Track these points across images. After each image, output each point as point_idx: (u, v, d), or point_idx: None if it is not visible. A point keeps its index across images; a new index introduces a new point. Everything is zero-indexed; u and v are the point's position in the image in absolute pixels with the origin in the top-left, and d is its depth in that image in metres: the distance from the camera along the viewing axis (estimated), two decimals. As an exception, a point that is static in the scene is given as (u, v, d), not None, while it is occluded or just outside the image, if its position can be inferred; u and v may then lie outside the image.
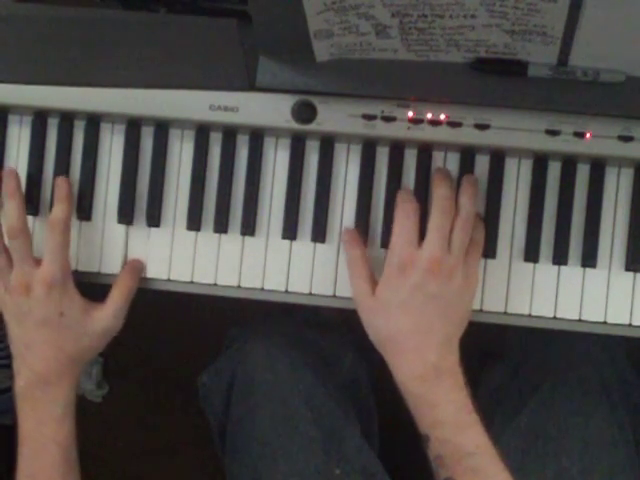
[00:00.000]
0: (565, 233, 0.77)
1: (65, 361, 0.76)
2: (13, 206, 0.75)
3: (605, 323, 0.78)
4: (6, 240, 0.76)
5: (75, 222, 0.80)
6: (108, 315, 0.77)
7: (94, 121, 0.80)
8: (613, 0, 0.62)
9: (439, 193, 0.74)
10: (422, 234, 0.73)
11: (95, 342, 0.78)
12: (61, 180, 0.78)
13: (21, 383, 0.76)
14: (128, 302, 0.78)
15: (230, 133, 0.79)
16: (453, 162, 0.78)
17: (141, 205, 0.80)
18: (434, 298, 0.72)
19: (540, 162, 0.78)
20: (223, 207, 0.79)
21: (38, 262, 0.75)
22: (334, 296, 0.79)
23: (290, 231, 0.79)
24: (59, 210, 0.76)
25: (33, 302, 0.74)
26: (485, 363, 1.00)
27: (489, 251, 0.78)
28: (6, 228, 0.75)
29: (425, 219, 0.75)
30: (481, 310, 0.78)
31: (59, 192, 0.77)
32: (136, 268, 0.79)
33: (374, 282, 0.75)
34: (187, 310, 1.30)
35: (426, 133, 0.75)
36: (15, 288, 0.75)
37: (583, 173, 0.78)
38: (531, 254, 0.78)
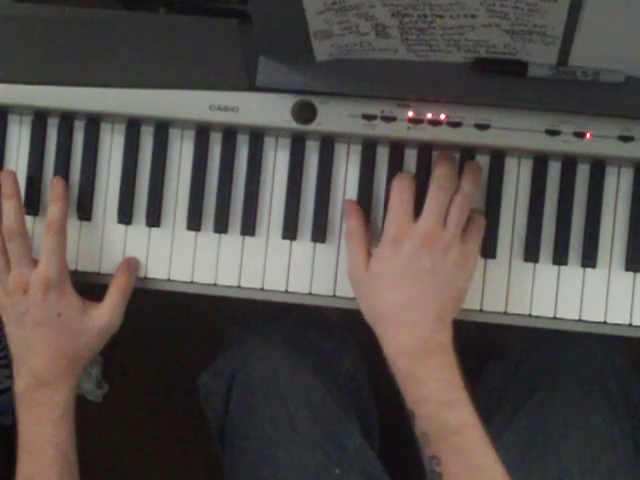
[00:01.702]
0: (565, 233, 0.77)
1: (64, 362, 0.76)
2: (11, 207, 0.75)
3: (605, 323, 0.78)
4: (4, 242, 0.76)
5: (75, 222, 0.80)
6: (105, 314, 0.77)
7: (94, 121, 0.80)
8: (613, 0, 0.62)
9: (439, 170, 0.73)
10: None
11: (94, 341, 0.78)
12: (56, 180, 0.78)
13: (20, 385, 0.76)
14: (125, 300, 0.78)
15: (230, 133, 0.79)
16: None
17: (141, 205, 0.80)
18: (427, 272, 0.71)
19: (540, 162, 0.78)
20: (223, 207, 0.79)
21: (36, 263, 0.75)
22: (334, 296, 0.79)
23: (290, 231, 0.79)
24: (55, 210, 0.76)
25: (30, 303, 0.74)
26: (485, 363, 1.00)
27: (489, 251, 0.78)
28: (4, 229, 0.75)
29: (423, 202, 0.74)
30: (481, 310, 0.78)
31: (54, 192, 0.77)
32: (132, 266, 0.79)
33: (369, 256, 0.74)
34: (187, 310, 1.30)
35: (426, 133, 0.75)
36: (13, 289, 0.75)
37: (583, 173, 0.78)
38: (531, 254, 0.78)
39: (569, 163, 0.77)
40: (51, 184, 0.78)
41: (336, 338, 0.93)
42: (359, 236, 0.75)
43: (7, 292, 0.76)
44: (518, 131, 0.75)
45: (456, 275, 0.72)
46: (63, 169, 0.80)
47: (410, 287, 0.71)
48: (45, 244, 0.75)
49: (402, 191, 0.73)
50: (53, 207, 0.76)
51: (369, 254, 0.74)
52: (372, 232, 0.78)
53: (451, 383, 0.70)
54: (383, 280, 0.72)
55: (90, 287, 0.80)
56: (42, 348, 0.75)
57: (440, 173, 0.73)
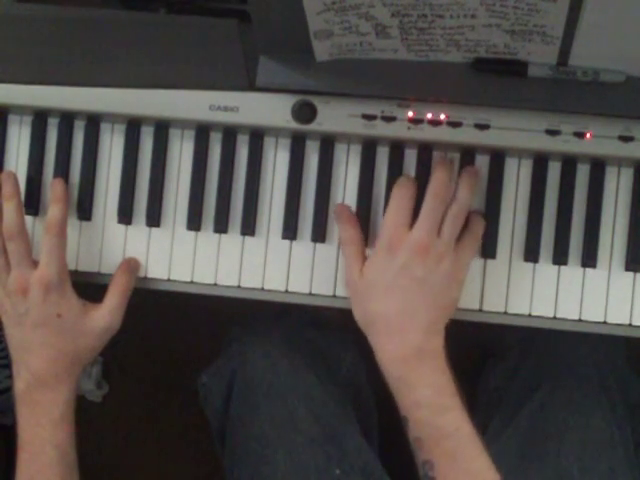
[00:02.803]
0: (565, 233, 0.77)
1: (63, 363, 0.76)
2: (11, 208, 0.76)
3: (605, 323, 0.78)
4: (4, 243, 0.76)
5: (75, 222, 0.80)
6: (105, 314, 0.77)
7: (94, 121, 0.80)
8: (613, 0, 0.62)
9: (435, 178, 0.73)
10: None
11: (93, 342, 0.78)
12: (56, 181, 0.78)
13: (20, 386, 0.76)
14: (125, 301, 0.78)
15: (230, 133, 0.79)
16: (453, 162, 0.78)
17: (141, 205, 0.80)
18: (420, 282, 0.71)
19: (540, 162, 0.78)
20: (223, 207, 0.79)
21: (36, 264, 0.75)
22: (334, 296, 0.79)
23: (290, 231, 0.79)
24: (55, 211, 0.76)
25: (30, 304, 0.74)
26: (485, 363, 1.00)
27: (489, 251, 0.78)
28: (4, 230, 0.75)
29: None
30: (481, 310, 0.78)
31: (54, 193, 0.77)
32: (131, 266, 0.79)
33: (365, 260, 0.74)
34: (187, 310, 1.30)
35: (426, 133, 0.75)
36: (12, 290, 0.75)
37: (583, 173, 0.78)
38: (531, 254, 0.78)
39: (569, 163, 0.77)
40: (51, 185, 0.78)
41: (336, 338, 0.93)
42: (354, 242, 0.75)
43: (7, 293, 0.76)
44: (518, 131, 0.75)
45: (448, 285, 0.73)
46: (63, 169, 0.80)
47: (402, 295, 0.72)
48: (45, 245, 0.75)
49: (401, 199, 0.73)
50: (53, 208, 0.76)
51: (364, 260, 0.75)
52: (372, 241, 0.78)
53: (443, 388, 0.71)
54: (376, 287, 0.73)
55: (90, 287, 0.80)
56: (42, 349, 0.75)
57: (436, 181, 0.73)
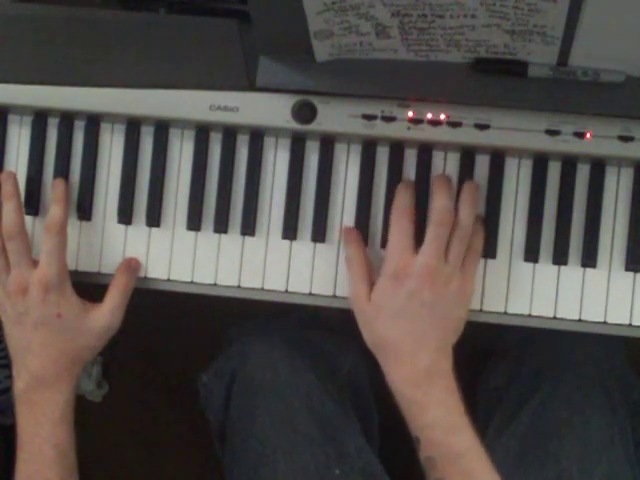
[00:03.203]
0: (565, 233, 0.77)
1: (63, 362, 0.76)
2: (10, 208, 0.76)
3: (605, 323, 0.78)
4: (4, 242, 0.76)
5: (75, 222, 0.80)
6: (105, 314, 0.77)
7: (94, 121, 0.80)
8: (613, 0, 0.62)
9: (437, 205, 0.74)
10: (422, 235, 0.73)
11: (93, 342, 0.78)
12: (57, 181, 0.78)
13: (20, 385, 0.76)
14: (125, 301, 0.78)
15: (230, 133, 0.79)
16: (453, 162, 0.78)
17: (141, 205, 0.80)
18: (428, 306, 0.72)
19: (540, 162, 0.78)
20: (223, 207, 0.79)
21: (36, 264, 0.75)
22: (334, 296, 0.79)
23: (290, 231, 0.79)
24: (56, 211, 0.76)
25: (30, 304, 0.74)
26: (485, 363, 1.00)
27: (489, 251, 0.78)
28: (3, 230, 0.75)
29: (425, 219, 0.75)
30: (481, 310, 0.78)
31: (55, 193, 0.77)
32: (132, 266, 0.79)
33: (371, 283, 0.75)
34: (187, 310, 1.30)
35: (426, 133, 0.75)
36: (12, 290, 0.75)
37: (583, 173, 0.78)
38: (531, 254, 0.78)
39: (569, 163, 0.77)
40: (52, 185, 0.78)
41: (336, 338, 0.92)
42: (359, 262, 0.76)
43: (6, 293, 0.76)
44: (518, 131, 0.75)
45: (457, 305, 0.74)
46: (63, 169, 0.80)
47: (411, 321, 0.73)
48: (45, 245, 0.75)
49: (401, 221, 0.74)
50: (54, 208, 0.76)
51: (370, 280, 0.75)
52: (370, 238, 0.78)
53: (454, 407, 0.72)
54: (384, 312, 0.73)
55: (90, 287, 0.80)
56: (41, 349, 0.75)
57: (438, 208, 0.73)
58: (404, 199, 0.75)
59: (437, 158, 0.78)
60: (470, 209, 0.74)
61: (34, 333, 0.75)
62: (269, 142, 0.79)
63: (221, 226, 0.79)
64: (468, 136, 0.75)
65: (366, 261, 0.76)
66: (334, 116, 0.76)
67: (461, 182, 0.77)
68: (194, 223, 0.79)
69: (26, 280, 0.75)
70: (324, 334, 0.92)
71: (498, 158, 0.78)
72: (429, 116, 0.75)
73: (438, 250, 0.72)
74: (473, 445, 0.71)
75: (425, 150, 0.78)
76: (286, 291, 0.79)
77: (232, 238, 0.80)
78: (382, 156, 0.79)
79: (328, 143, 0.78)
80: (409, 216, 0.74)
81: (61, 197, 0.77)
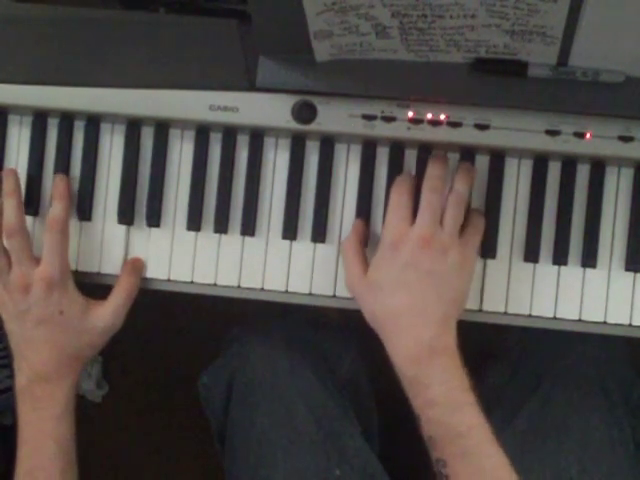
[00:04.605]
0: (565, 233, 0.77)
1: (65, 359, 0.76)
2: (11, 205, 0.75)
3: (605, 323, 0.78)
4: (4, 240, 0.76)
5: (75, 222, 0.80)
6: (108, 313, 0.77)
7: (94, 121, 0.80)
8: (613, 0, 0.62)
9: (430, 172, 0.73)
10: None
11: (95, 340, 0.78)
12: (59, 178, 0.78)
13: (22, 381, 0.76)
14: (129, 301, 0.78)
15: (230, 133, 0.79)
16: (453, 162, 0.78)
17: (141, 205, 0.80)
18: (427, 274, 0.71)
19: (540, 162, 0.78)
20: (223, 207, 0.79)
21: (37, 261, 0.75)
22: (334, 296, 0.79)
23: (290, 231, 0.79)
24: (57, 208, 0.76)
25: (32, 301, 0.74)
26: (485, 363, 1.00)
27: (489, 251, 0.78)
28: (4, 227, 0.75)
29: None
30: (481, 310, 0.78)
31: (57, 190, 0.77)
32: (137, 267, 0.79)
33: (366, 265, 0.74)
34: (187, 310, 1.30)
35: (426, 133, 0.75)
36: (14, 287, 0.75)
37: (583, 173, 0.78)
38: (531, 254, 0.78)
39: (569, 163, 0.77)
40: (54, 182, 0.78)
41: (336, 338, 0.93)
42: (353, 247, 0.75)
43: (8, 290, 0.76)
44: (518, 131, 0.75)
45: (457, 276, 0.72)
46: (63, 169, 0.80)
47: (411, 290, 0.71)
48: (47, 242, 0.75)
49: (400, 195, 0.73)
50: (55, 205, 0.76)
51: (365, 263, 0.74)
52: (371, 237, 0.78)
53: (457, 385, 0.70)
54: (383, 285, 0.72)
55: (90, 287, 0.80)
56: (43, 345, 0.75)
57: (431, 174, 0.73)
58: (404, 178, 0.75)
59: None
60: (464, 179, 0.74)
61: (36, 330, 0.75)
62: (269, 142, 0.79)
63: (221, 226, 0.79)
64: (468, 136, 0.75)
65: (361, 246, 0.75)
66: (334, 116, 0.76)
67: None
68: (194, 223, 0.79)
69: (28, 278, 0.75)
70: (324, 334, 0.92)
71: (498, 158, 0.78)
72: (429, 116, 0.75)
73: (432, 217, 0.71)
74: (476, 424, 0.69)
75: (425, 150, 0.78)
76: (286, 291, 0.79)
77: (232, 238, 0.80)
78: (382, 156, 0.79)
79: (328, 143, 0.78)
80: (409, 192, 0.73)
81: (62, 194, 0.77)
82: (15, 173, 0.77)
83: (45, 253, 0.75)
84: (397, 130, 0.75)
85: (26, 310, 0.75)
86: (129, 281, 0.78)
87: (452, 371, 0.70)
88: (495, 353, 1.00)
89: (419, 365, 0.70)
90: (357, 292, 0.74)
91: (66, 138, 0.80)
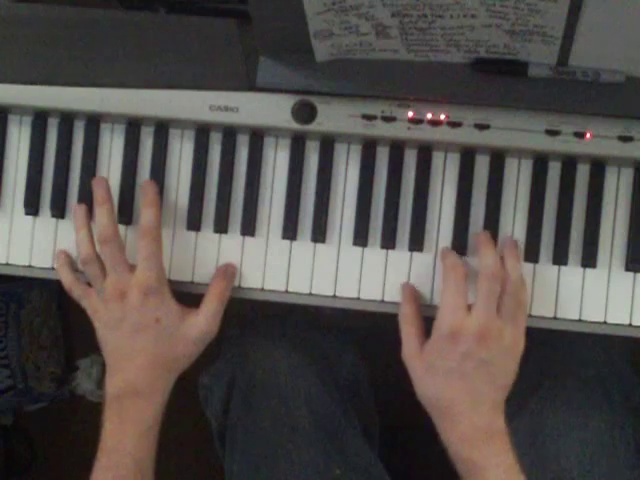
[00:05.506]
0: (565, 233, 0.77)
1: (159, 370, 0.75)
2: (103, 213, 0.75)
3: (605, 323, 0.78)
4: (98, 248, 0.75)
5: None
6: (202, 321, 0.76)
7: (94, 121, 0.80)
8: (613, 0, 0.62)
9: (486, 260, 0.72)
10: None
11: (190, 349, 0.76)
12: (148, 184, 0.77)
13: (112, 391, 0.75)
14: (222, 307, 0.77)
15: (230, 133, 0.79)
16: (453, 162, 0.78)
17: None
18: (484, 363, 0.71)
19: (540, 162, 0.78)
20: (223, 207, 0.79)
21: (132, 268, 0.74)
22: (334, 296, 0.79)
23: (290, 231, 0.79)
24: (148, 216, 0.75)
25: (128, 309, 0.73)
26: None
27: (489, 251, 0.77)
28: (97, 235, 0.75)
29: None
30: (481, 310, 0.78)
31: (146, 197, 0.76)
32: (229, 272, 0.78)
33: (424, 338, 0.74)
34: (187, 310, 1.29)
35: (426, 133, 0.75)
36: (110, 294, 0.74)
37: (583, 173, 0.78)
38: (531, 254, 0.77)
39: (569, 163, 0.77)
40: (142, 189, 0.76)
41: (336, 338, 0.92)
42: (413, 320, 0.75)
43: (102, 298, 0.74)
44: (518, 131, 0.75)
45: (510, 359, 0.73)
46: (63, 169, 0.80)
47: (466, 380, 0.72)
48: (142, 250, 0.74)
49: (455, 281, 0.73)
50: (146, 213, 0.75)
51: (423, 335, 0.74)
52: (372, 242, 0.78)
53: (511, 466, 0.71)
54: (438, 371, 0.72)
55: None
56: (138, 354, 0.74)
57: (488, 262, 0.72)
58: (458, 262, 0.74)
59: (437, 158, 0.78)
60: (516, 261, 0.74)
61: (132, 338, 0.74)
62: (269, 142, 0.79)
63: (221, 226, 0.79)
64: (468, 136, 0.75)
65: (420, 319, 0.75)
66: (334, 116, 0.76)
67: (461, 182, 0.77)
68: (194, 223, 0.79)
69: (124, 285, 0.73)
70: (324, 334, 0.92)
71: (498, 158, 0.78)
72: (429, 116, 0.75)
73: (491, 307, 0.71)
74: None
75: (425, 150, 0.78)
76: (286, 291, 0.79)
77: (232, 238, 0.80)
78: (382, 156, 0.79)
79: (328, 143, 0.78)
80: (462, 274, 0.73)
81: (152, 201, 0.75)
82: (105, 182, 0.76)
83: (141, 261, 0.73)
84: (397, 130, 0.75)
85: (121, 318, 0.74)
86: (222, 287, 0.77)
87: (506, 453, 0.72)
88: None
89: (474, 448, 0.72)
90: (411, 367, 0.74)
91: (66, 138, 0.80)
